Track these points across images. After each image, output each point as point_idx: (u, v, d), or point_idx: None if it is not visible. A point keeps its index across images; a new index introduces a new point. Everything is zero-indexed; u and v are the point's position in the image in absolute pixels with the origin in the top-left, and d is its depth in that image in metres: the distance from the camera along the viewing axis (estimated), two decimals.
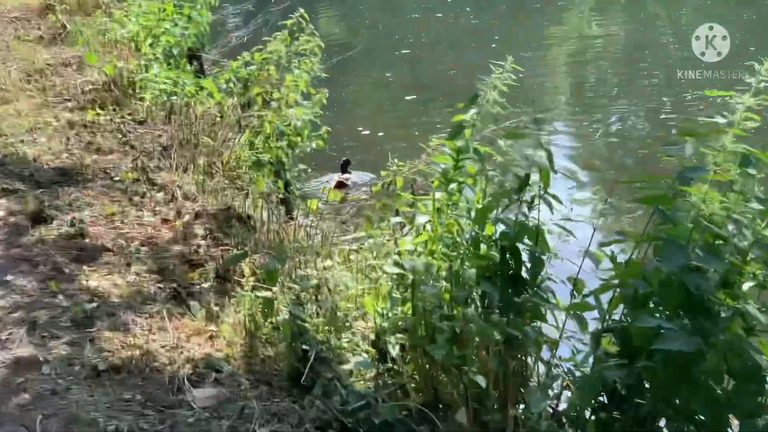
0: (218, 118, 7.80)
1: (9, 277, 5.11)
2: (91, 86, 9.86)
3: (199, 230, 5.81)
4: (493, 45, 15.56)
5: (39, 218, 6.00)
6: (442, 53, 14.84)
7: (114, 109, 9.01)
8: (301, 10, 8.19)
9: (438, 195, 4.77)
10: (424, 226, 4.83)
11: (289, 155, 7.41)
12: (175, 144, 7.69)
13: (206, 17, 10.67)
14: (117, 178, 6.94)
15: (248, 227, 5.87)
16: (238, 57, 8.67)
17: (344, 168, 10.08)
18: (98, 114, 8.73)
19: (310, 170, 7.75)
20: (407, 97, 12.64)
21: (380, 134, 11.21)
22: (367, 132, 11.14)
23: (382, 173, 6.39)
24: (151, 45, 10.84)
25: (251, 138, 7.57)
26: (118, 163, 7.36)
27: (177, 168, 7.26)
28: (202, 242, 5.68)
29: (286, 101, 7.53)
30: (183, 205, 6.37)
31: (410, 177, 6.12)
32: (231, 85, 8.59)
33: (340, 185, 10.01)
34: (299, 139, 7.50)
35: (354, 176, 10.05)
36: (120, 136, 8.10)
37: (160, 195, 6.79)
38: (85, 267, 5.36)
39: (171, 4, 11.60)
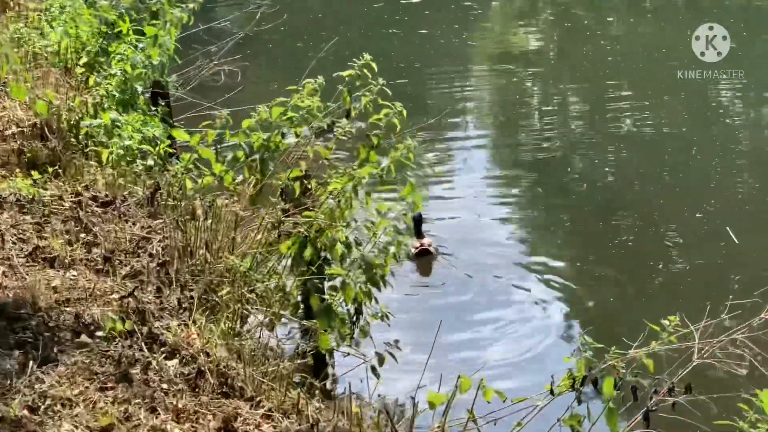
0: (239, 214, 5.16)
1: None
2: (15, 128, 7.04)
3: None
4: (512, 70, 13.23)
5: None
6: (451, 86, 12.44)
7: (56, 174, 6.23)
8: (367, 56, 5.56)
9: None
10: None
11: (371, 296, 4.81)
12: (174, 257, 5.01)
13: (174, 37, 7.89)
14: (99, 334, 4.23)
15: None
16: (252, 113, 5.98)
17: (418, 227, 7.48)
18: (34, 183, 5.95)
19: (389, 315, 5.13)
20: (429, 154, 10.12)
21: None
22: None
23: (565, 358, 3.95)
24: (97, 71, 7.99)
25: (292, 251, 4.94)
26: (91, 289, 4.64)
27: (188, 308, 4.60)
28: None
29: (349, 203, 4.87)
30: (235, 409, 3.75)
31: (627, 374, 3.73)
32: (241, 153, 5.89)
33: (424, 253, 7.51)
34: (387, 269, 4.86)
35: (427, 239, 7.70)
36: (80, 231, 5.35)
37: (173, 367, 4.15)
38: None
39: (111, 13, 8.72)
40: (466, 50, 14.65)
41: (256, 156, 5.78)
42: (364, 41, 14.13)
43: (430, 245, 7.52)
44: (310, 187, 5.51)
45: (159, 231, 5.28)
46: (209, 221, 5.17)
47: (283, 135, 5.86)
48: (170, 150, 6.78)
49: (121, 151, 6.35)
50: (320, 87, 6.04)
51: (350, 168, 5.22)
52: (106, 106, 7.11)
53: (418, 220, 7.42)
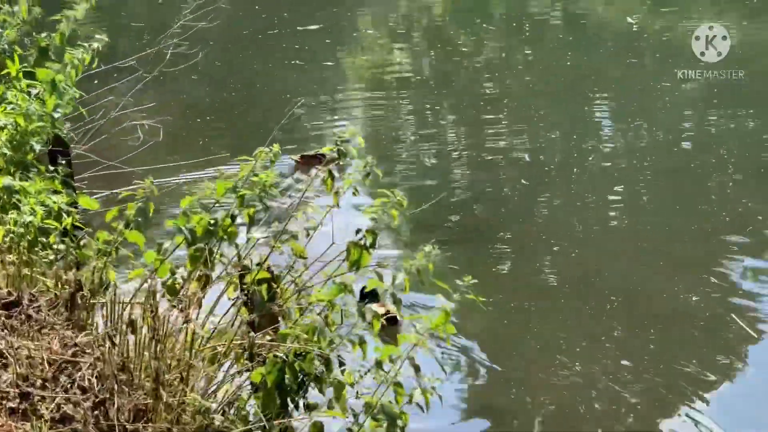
0: (188, 331, 4.10)
1: None
2: None
3: None
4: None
5: None
6: (323, 117, 11.76)
7: None
8: (351, 129, 4.54)
9: None
10: None
11: None
12: (113, 390, 3.89)
13: (74, 82, 6.64)
14: None
15: None
16: (192, 189, 4.90)
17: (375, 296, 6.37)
18: None
19: None
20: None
21: None
22: None
23: None
24: None
25: (270, 381, 3.89)
26: None
27: None
28: None
29: (341, 319, 3.86)
30: None
31: None
32: (180, 239, 4.81)
33: (392, 321, 6.88)
34: (407, 418, 3.80)
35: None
36: None
37: None
38: None
39: None
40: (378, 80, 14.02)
41: (202, 245, 4.71)
42: (268, 75, 13.24)
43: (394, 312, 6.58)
44: (278, 291, 4.50)
45: (88, 351, 4.14)
46: (155, 339, 4.08)
47: (234, 218, 4.83)
48: (79, 224, 5.59)
49: (21, 230, 5.13)
50: (276, 157, 5.04)
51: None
52: None
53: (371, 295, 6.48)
